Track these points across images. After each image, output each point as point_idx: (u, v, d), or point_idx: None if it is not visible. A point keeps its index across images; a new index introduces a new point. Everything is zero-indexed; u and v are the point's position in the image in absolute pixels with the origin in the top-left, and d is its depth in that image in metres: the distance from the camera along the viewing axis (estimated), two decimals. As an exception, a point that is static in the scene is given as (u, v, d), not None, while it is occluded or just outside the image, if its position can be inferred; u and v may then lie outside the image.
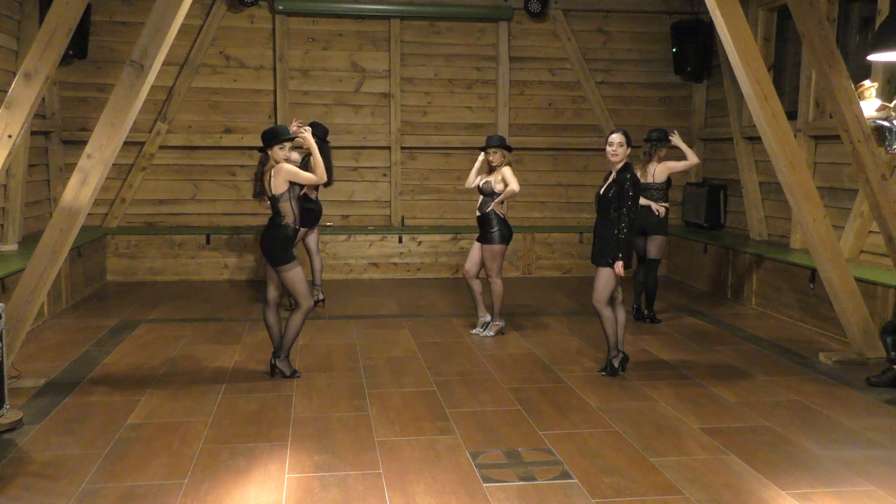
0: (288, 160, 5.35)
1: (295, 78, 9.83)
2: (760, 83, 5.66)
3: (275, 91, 9.76)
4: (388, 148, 10.06)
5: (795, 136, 7.26)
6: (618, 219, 5.39)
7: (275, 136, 5.24)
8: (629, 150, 5.49)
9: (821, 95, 7.80)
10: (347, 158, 10.01)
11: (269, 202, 5.37)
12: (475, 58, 10.10)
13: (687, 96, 10.52)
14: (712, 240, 9.05)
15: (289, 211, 5.31)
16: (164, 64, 5.58)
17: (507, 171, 6.55)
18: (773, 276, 7.79)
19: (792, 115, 7.87)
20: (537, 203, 10.36)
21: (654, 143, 7.18)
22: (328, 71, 9.89)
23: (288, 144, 5.27)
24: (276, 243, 5.31)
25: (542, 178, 10.33)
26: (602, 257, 5.48)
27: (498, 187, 6.57)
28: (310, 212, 7.39)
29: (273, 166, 5.27)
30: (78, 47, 8.85)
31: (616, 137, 5.47)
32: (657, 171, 7.17)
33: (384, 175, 10.13)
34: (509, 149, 6.71)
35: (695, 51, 9.93)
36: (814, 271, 6.90)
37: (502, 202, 6.59)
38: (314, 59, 9.85)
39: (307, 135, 5.41)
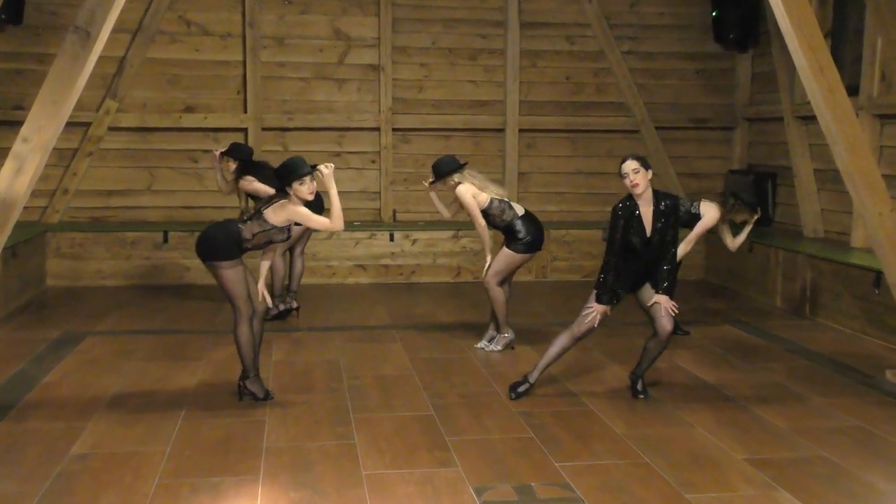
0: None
1: (268, 47, 9.83)
2: (816, 53, 5.65)
3: (244, 63, 9.76)
4: (378, 129, 10.05)
5: (857, 114, 7.24)
6: (672, 249, 5.40)
7: (292, 171, 5.18)
8: (650, 174, 5.33)
9: (888, 66, 7.79)
10: (329, 142, 10.01)
11: (242, 208, 5.36)
12: (480, 23, 10.10)
13: (729, 69, 10.51)
14: (759, 237, 9.03)
15: (252, 234, 5.29)
16: (113, 31, 5.56)
17: (462, 193, 6.59)
18: (831, 280, 7.78)
19: (853, 91, 7.85)
20: (553, 194, 10.35)
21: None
22: (307, 39, 9.88)
23: (308, 179, 5.20)
24: (221, 237, 5.27)
25: (559, 164, 10.33)
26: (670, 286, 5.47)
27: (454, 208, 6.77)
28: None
29: (282, 203, 5.24)
30: (11, 11, 8.85)
31: (630, 164, 5.27)
32: None
33: (373, 161, 10.12)
34: (452, 171, 6.62)
35: (738, 15, 9.90)
36: (879, 274, 6.88)
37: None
38: (290, 26, 9.85)
39: (328, 172, 5.30)
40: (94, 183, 9.68)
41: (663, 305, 5.37)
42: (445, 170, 6.65)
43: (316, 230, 6.81)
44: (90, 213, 9.74)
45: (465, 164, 6.72)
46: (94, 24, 5.14)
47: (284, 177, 5.23)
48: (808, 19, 5.63)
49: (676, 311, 5.39)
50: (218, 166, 7.59)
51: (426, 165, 10.09)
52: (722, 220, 6.98)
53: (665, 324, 5.38)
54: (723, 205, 7.03)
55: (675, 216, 5.39)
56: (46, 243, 9.21)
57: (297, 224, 5.49)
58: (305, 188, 5.20)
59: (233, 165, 7.45)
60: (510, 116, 10.18)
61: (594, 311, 5.41)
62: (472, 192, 6.60)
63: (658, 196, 5.37)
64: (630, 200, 5.34)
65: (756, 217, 7.15)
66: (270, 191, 5.91)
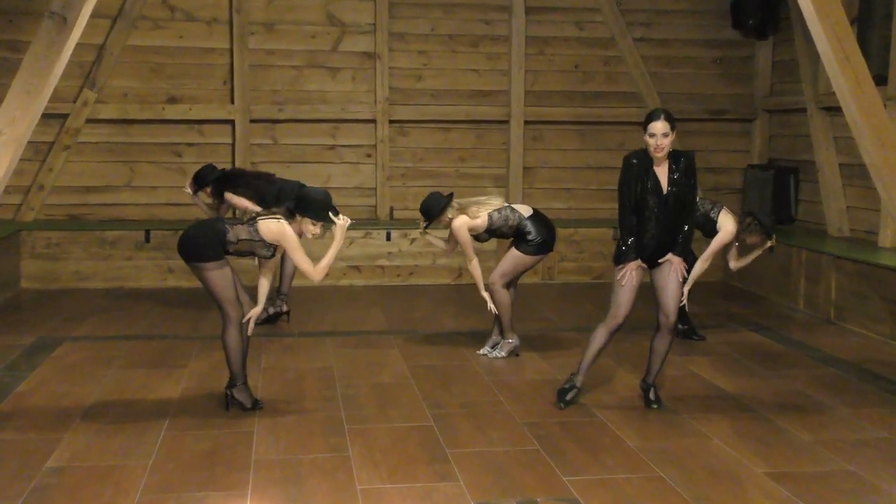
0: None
1: (256, 34, 9.83)
2: (841, 40, 5.66)
3: (231, 50, 9.77)
4: (374, 121, 10.06)
5: (885, 105, 7.25)
6: (691, 212, 5.40)
7: (314, 209, 5.27)
8: (674, 134, 5.31)
9: (916, 55, 7.79)
10: (323, 135, 10.01)
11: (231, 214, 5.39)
12: (482, 8, 10.11)
13: (748, 57, 10.52)
14: (781, 236, 9.03)
15: (237, 238, 5.33)
16: (92, 16, 5.58)
17: (457, 229, 6.62)
18: (858, 282, 7.79)
19: (881, 81, 7.86)
20: (561, 190, 10.35)
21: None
22: (298, 25, 9.89)
23: (322, 222, 5.29)
24: (205, 236, 5.30)
25: (567, 158, 10.33)
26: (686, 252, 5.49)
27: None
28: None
29: (281, 223, 5.28)
30: (-16, -5, 8.86)
31: (660, 126, 5.21)
32: None
33: (368, 155, 10.13)
34: (443, 209, 6.62)
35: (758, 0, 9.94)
36: (908, 276, 6.90)
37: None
38: (280, 10, 9.85)
39: (342, 223, 5.36)
40: (72, 178, 9.68)
41: (674, 265, 5.39)
42: (436, 210, 6.63)
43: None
44: (67, 210, 9.74)
45: (451, 195, 6.72)
46: (71, 9, 5.15)
47: (303, 208, 5.30)
48: (833, 4, 5.65)
49: (684, 276, 5.45)
50: (196, 201, 7.67)
51: (425, 159, 10.16)
52: (735, 237, 6.98)
53: (669, 307, 5.42)
54: (739, 220, 7.03)
55: (692, 173, 5.36)
56: (21, 243, 9.22)
57: None
58: (313, 228, 5.32)
59: (209, 189, 7.53)
60: (515, 107, 10.18)
61: (626, 269, 5.38)
62: (469, 226, 6.62)
63: (674, 154, 5.36)
64: (644, 154, 5.33)
65: (769, 244, 7.11)
66: (255, 207, 5.97)
